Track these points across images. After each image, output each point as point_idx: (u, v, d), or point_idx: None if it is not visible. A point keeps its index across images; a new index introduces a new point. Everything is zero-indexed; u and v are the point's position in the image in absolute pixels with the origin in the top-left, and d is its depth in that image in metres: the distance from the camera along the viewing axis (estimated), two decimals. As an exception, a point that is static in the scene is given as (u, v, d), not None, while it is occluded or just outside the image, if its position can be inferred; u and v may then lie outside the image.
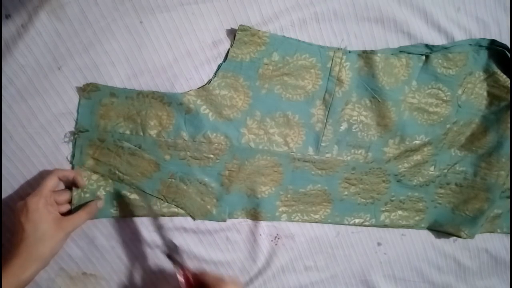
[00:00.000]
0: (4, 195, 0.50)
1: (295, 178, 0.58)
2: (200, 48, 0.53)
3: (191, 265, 0.57)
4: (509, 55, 0.60)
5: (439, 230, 0.66)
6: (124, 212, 0.54)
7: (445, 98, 0.61)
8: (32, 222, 0.44)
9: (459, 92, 0.61)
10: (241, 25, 0.52)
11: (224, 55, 0.54)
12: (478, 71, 0.61)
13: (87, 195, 0.52)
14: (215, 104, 0.53)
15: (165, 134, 0.53)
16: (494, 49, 0.60)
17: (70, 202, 0.51)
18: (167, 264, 0.56)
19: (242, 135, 0.55)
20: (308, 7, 0.55)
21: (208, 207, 0.56)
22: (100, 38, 0.50)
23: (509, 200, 0.66)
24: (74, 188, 0.51)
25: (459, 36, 0.59)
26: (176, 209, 0.55)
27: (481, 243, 0.68)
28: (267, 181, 0.57)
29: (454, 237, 0.66)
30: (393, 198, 0.63)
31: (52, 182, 0.47)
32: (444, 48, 0.59)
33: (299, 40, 0.55)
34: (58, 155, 0.51)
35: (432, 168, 0.63)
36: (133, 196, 0.53)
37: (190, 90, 0.53)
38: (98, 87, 0.51)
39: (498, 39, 0.60)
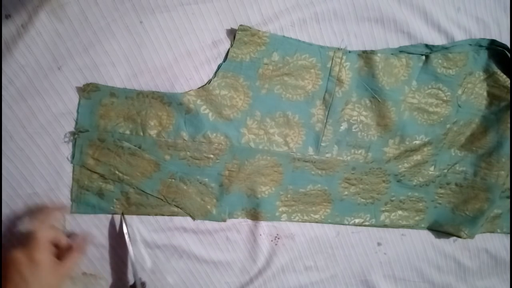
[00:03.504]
0: (4, 195, 0.50)
1: (295, 178, 0.58)
2: (200, 48, 0.53)
3: (191, 265, 0.57)
4: (509, 55, 0.60)
5: (439, 230, 0.66)
6: (124, 211, 0.54)
7: (445, 98, 0.61)
8: (38, 279, 0.43)
9: (459, 92, 0.61)
10: (241, 25, 0.52)
11: (224, 55, 0.54)
12: (478, 71, 0.61)
13: (88, 195, 0.52)
14: (215, 104, 0.53)
15: (165, 134, 0.53)
16: (494, 49, 0.60)
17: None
18: (167, 264, 0.56)
19: (242, 135, 0.55)
20: (308, 7, 0.55)
21: (208, 207, 0.56)
22: (100, 38, 0.50)
23: (509, 200, 0.66)
24: (74, 186, 0.51)
25: (459, 36, 0.59)
26: (176, 209, 0.55)
27: (481, 243, 0.68)
28: (267, 181, 0.57)
29: (454, 237, 0.66)
30: (393, 198, 0.63)
31: (48, 234, 0.45)
32: (444, 48, 0.59)
33: (299, 40, 0.55)
34: (58, 155, 0.51)
35: (432, 168, 0.63)
36: (133, 196, 0.53)
37: (190, 90, 0.53)
38: (98, 87, 0.51)
39: (498, 39, 0.60)
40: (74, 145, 0.51)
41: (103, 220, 0.54)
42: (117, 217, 0.54)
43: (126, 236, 0.52)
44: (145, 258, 0.56)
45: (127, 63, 0.51)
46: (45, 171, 0.51)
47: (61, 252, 0.47)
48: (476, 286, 0.69)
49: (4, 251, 0.46)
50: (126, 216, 0.54)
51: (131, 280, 0.55)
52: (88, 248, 0.52)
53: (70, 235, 0.52)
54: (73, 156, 0.51)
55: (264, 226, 0.59)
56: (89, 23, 0.49)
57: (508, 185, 0.64)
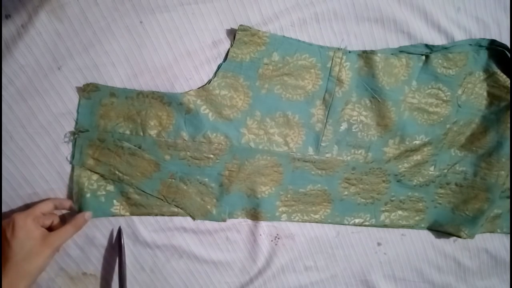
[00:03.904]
0: (4, 195, 0.50)
1: (295, 178, 0.58)
2: (200, 48, 0.53)
3: (191, 265, 0.57)
4: (509, 55, 0.60)
5: (439, 230, 0.66)
6: (124, 211, 0.54)
7: (445, 98, 0.61)
8: (18, 239, 0.43)
9: (459, 92, 0.61)
10: (241, 25, 0.52)
11: (224, 55, 0.54)
12: (478, 71, 0.61)
13: (88, 195, 0.52)
14: (215, 104, 0.53)
15: (165, 134, 0.53)
16: (494, 49, 0.60)
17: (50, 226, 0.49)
18: (167, 264, 0.56)
19: (242, 135, 0.55)
20: (308, 7, 0.55)
21: (208, 207, 0.56)
22: (100, 38, 0.50)
23: (509, 200, 0.66)
24: (74, 187, 0.51)
25: (459, 36, 0.59)
26: (176, 209, 0.55)
27: (481, 243, 0.68)
28: (267, 181, 0.57)
29: (454, 237, 0.66)
30: (393, 198, 0.63)
31: (46, 207, 0.47)
32: (444, 48, 0.59)
33: (299, 40, 0.55)
34: (58, 155, 0.51)
35: (432, 168, 0.63)
36: (133, 196, 0.53)
37: (190, 90, 0.53)
38: (98, 87, 0.51)
39: (498, 39, 0.60)
40: (74, 145, 0.51)
41: (103, 220, 0.54)
42: (117, 217, 0.54)
43: (123, 250, 0.53)
44: (145, 259, 0.56)
45: (127, 63, 0.51)
46: (45, 171, 0.51)
47: (53, 229, 0.48)
48: (476, 286, 0.69)
49: None
50: (126, 217, 0.54)
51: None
52: (84, 226, 0.51)
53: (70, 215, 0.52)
54: (73, 156, 0.51)
55: (264, 226, 0.59)
56: (89, 23, 0.49)
57: (508, 185, 0.64)
